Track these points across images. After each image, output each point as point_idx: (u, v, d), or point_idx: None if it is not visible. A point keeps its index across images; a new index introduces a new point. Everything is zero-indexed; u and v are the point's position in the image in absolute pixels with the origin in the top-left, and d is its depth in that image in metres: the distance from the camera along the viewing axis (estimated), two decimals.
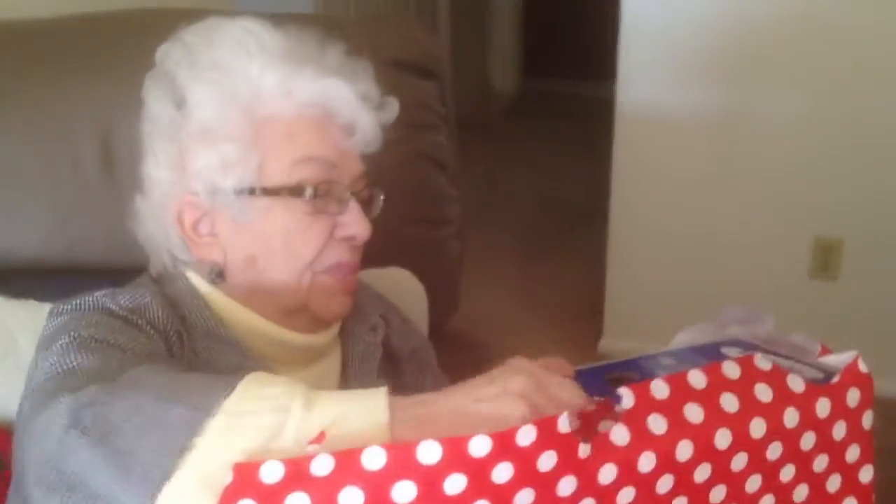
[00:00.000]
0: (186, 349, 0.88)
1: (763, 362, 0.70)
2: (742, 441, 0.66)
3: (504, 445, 0.59)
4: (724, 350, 0.82)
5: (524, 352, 0.71)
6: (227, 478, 0.56)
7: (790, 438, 0.69)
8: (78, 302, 0.87)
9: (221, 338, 0.91)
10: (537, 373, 0.67)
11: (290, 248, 0.92)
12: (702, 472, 0.65)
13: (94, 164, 1.16)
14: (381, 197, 0.99)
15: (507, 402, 0.65)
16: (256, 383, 0.67)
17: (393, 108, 0.97)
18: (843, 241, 2.36)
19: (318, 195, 0.91)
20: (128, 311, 0.86)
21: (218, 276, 0.94)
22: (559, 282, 3.01)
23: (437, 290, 1.34)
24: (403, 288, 1.26)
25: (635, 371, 0.77)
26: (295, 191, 0.90)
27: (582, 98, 4.66)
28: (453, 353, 1.43)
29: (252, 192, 0.90)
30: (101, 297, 0.88)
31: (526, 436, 0.59)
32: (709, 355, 0.80)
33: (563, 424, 0.61)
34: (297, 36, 0.94)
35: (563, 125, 4.42)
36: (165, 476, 0.62)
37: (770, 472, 0.69)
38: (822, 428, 0.70)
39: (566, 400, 0.66)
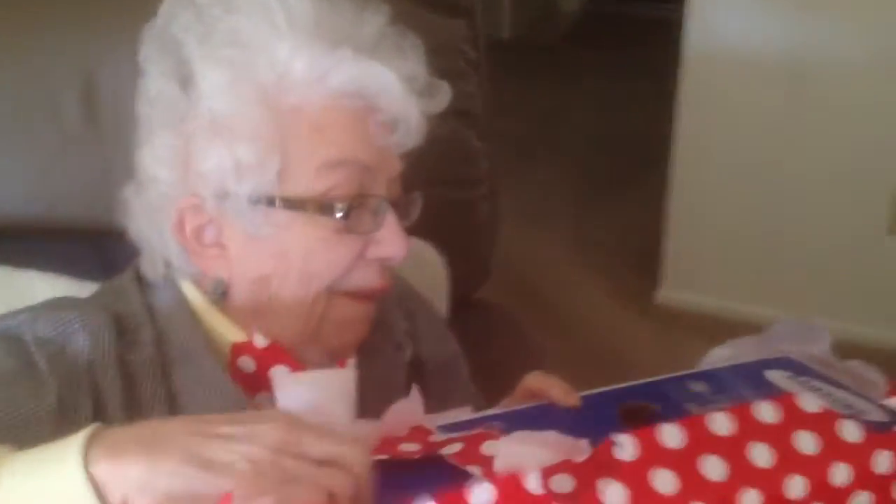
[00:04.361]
0: (150, 377, 0.76)
1: (808, 402, 0.57)
2: None
3: None
4: (769, 374, 0.70)
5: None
6: None
7: (838, 499, 0.56)
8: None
9: (204, 366, 0.78)
10: (298, 437, 0.57)
11: (309, 269, 0.78)
12: None
13: (74, 112, 1.05)
14: (420, 201, 0.85)
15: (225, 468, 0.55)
16: None
17: (444, 94, 0.82)
18: None
19: (351, 210, 0.77)
20: (39, 346, 0.73)
21: (222, 294, 0.81)
22: (615, 226, 2.85)
23: (465, 259, 1.21)
24: (421, 260, 1.13)
25: (657, 400, 0.67)
26: (323, 207, 0.76)
27: (649, 22, 4.40)
28: (488, 322, 1.32)
29: (270, 202, 0.76)
30: (24, 318, 0.76)
31: (482, 494, 0.51)
32: (749, 379, 0.70)
33: (534, 483, 0.52)
34: (330, 0, 0.78)
35: (628, 52, 4.18)
36: None
37: None
38: (881, 488, 0.57)
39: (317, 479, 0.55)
